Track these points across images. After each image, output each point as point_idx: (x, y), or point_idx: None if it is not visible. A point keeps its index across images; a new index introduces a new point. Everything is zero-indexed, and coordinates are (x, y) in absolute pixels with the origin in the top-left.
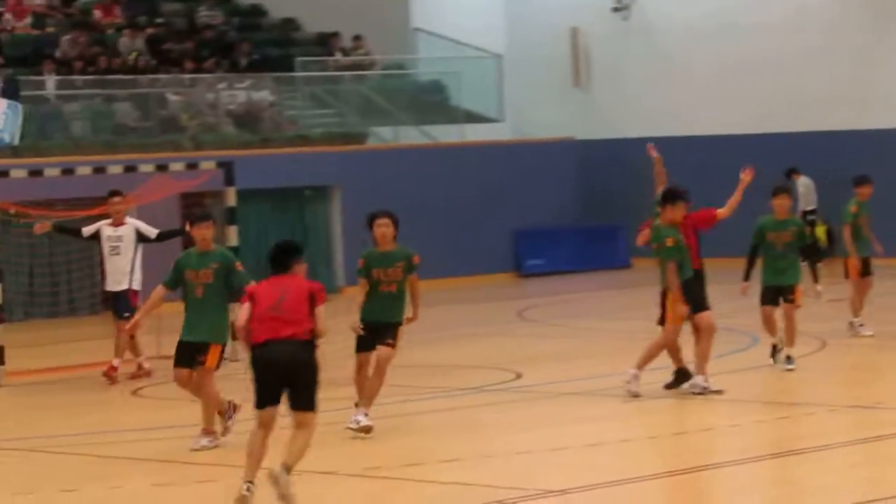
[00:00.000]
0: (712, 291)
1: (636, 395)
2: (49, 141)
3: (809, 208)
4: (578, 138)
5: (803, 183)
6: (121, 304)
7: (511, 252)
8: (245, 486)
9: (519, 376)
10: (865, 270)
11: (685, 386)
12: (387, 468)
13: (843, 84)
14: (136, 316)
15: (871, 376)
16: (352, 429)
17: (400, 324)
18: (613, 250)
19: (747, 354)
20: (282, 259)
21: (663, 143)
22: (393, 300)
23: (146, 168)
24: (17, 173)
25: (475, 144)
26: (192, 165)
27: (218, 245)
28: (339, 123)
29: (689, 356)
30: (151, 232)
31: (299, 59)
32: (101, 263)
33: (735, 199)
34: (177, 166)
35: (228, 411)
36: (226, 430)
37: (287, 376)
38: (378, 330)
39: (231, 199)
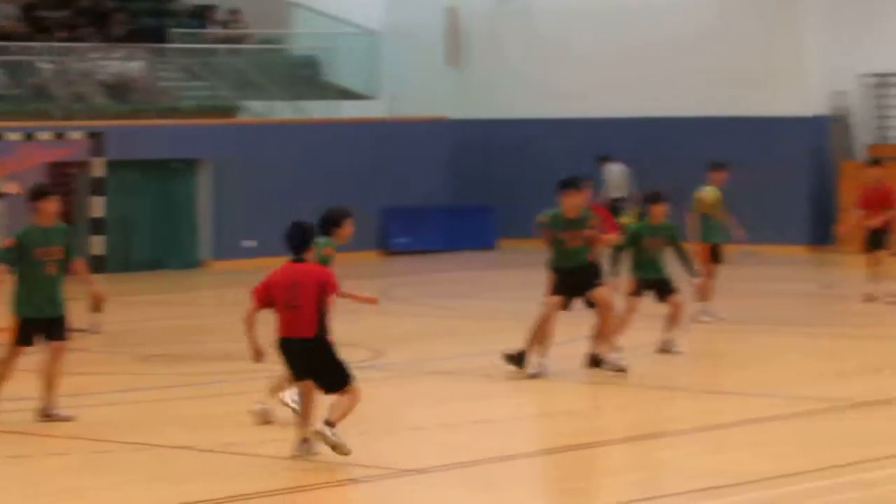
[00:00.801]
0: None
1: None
2: None
3: (618, 196)
4: (453, 118)
5: (613, 170)
6: None
7: (378, 230)
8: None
9: (380, 354)
10: (716, 257)
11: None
12: (244, 444)
13: (718, 70)
14: None
15: (723, 362)
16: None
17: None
18: (482, 231)
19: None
20: (301, 240)
21: (540, 125)
22: None
23: (13, 136)
24: None
25: (348, 121)
26: (60, 135)
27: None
28: (212, 96)
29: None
30: None
31: (174, 30)
32: None
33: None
34: (45, 135)
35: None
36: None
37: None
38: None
39: (99, 169)
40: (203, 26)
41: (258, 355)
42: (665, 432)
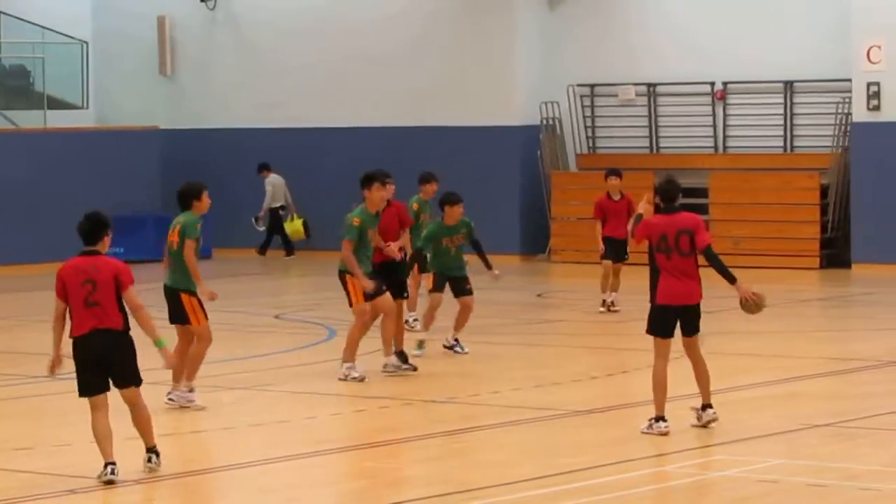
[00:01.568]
0: None
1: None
2: None
3: (278, 205)
4: (163, 127)
5: (271, 181)
6: None
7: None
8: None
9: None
10: (423, 267)
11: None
12: None
13: (432, 81)
14: None
15: (439, 371)
16: None
17: None
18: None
19: (324, 347)
20: (94, 231)
21: (249, 135)
22: None
23: None
24: None
25: (58, 131)
26: None
27: None
28: None
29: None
30: None
31: None
32: None
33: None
34: None
35: None
36: None
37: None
38: None
39: None
40: None
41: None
42: (389, 441)
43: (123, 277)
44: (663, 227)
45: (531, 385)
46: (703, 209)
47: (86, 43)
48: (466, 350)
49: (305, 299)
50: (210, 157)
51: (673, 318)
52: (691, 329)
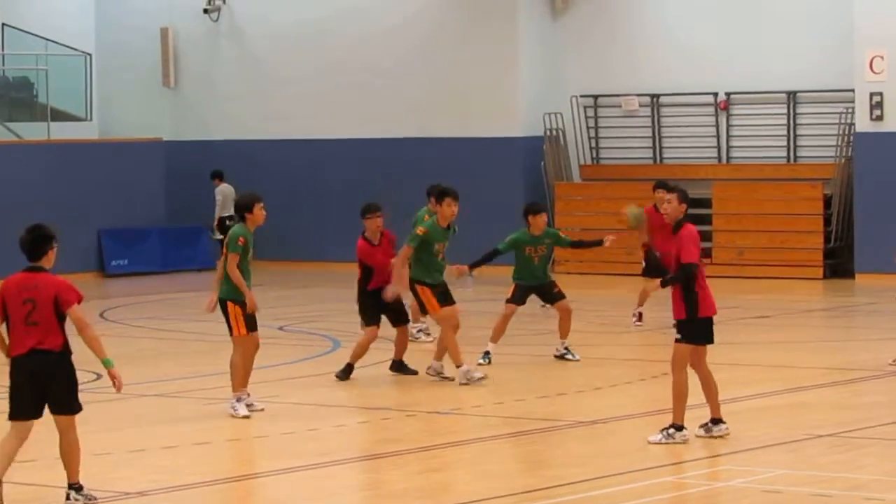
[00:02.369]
0: None
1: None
2: None
3: (227, 214)
4: (167, 139)
5: (221, 190)
6: None
7: (96, 252)
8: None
9: (99, 377)
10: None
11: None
12: None
13: (435, 93)
14: None
15: (421, 383)
16: None
17: None
18: (197, 252)
19: (328, 359)
20: (37, 246)
21: (250, 146)
22: None
23: None
24: None
25: (62, 142)
26: None
27: None
28: None
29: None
30: None
31: None
32: None
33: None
34: None
35: None
36: None
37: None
38: None
39: None
40: None
41: None
42: (388, 452)
43: (65, 296)
44: None
45: (535, 396)
46: (706, 220)
47: (89, 55)
48: (578, 357)
49: (308, 311)
50: (214, 168)
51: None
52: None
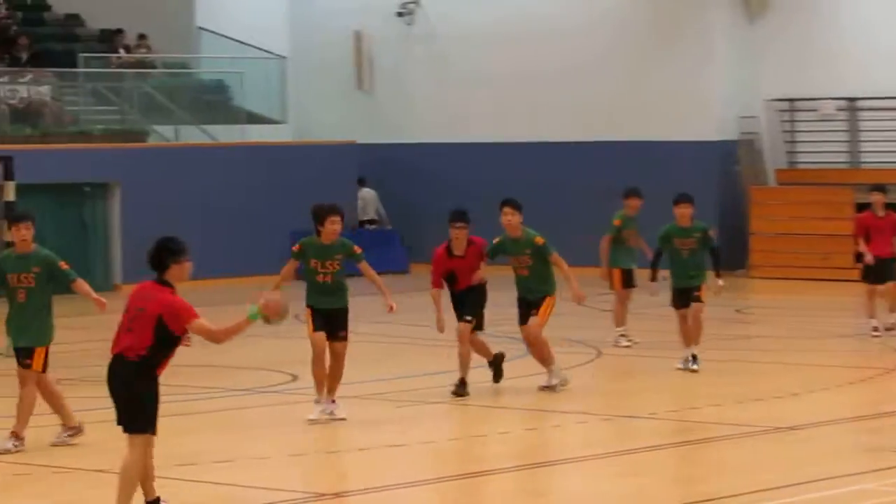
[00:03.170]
0: None
1: None
2: None
3: (367, 218)
4: (360, 142)
5: (362, 195)
6: None
7: (289, 253)
8: None
9: (295, 378)
10: (628, 282)
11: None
12: (158, 468)
13: (626, 95)
14: None
15: (638, 386)
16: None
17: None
18: (390, 254)
19: (520, 363)
20: (158, 259)
21: (442, 149)
22: None
23: None
24: None
25: (256, 145)
26: None
27: (38, 245)
28: (121, 120)
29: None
30: None
31: (82, 54)
32: None
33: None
34: None
35: (72, 429)
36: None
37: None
38: None
39: (10, 193)
40: (111, 50)
41: None
42: (582, 456)
43: (173, 318)
44: None
45: (731, 401)
46: None
47: (284, 58)
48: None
49: (496, 314)
50: (406, 171)
51: None
52: None
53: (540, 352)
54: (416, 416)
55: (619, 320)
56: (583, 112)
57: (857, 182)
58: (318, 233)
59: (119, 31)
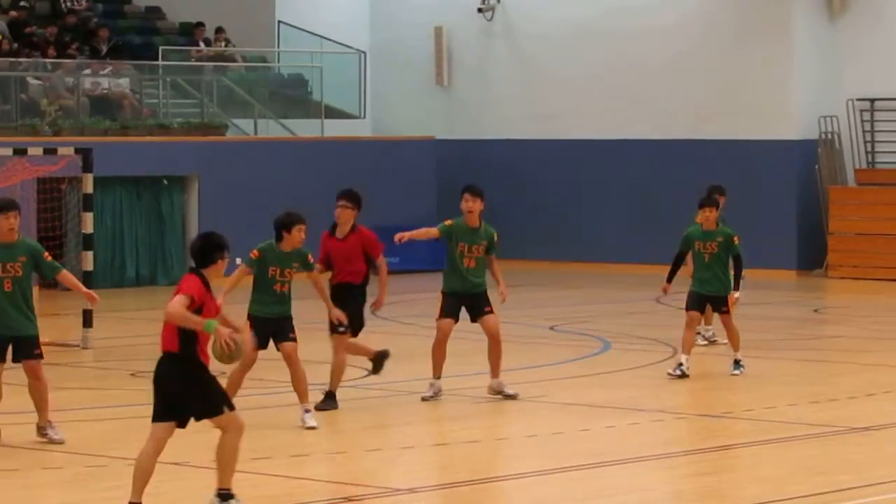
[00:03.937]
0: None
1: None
2: None
3: None
4: (439, 137)
5: None
6: None
7: None
8: None
9: (369, 373)
10: None
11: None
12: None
13: (708, 94)
14: None
15: (716, 385)
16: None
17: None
18: None
19: (598, 360)
20: (204, 254)
21: (522, 146)
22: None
23: (3, 152)
24: None
25: (335, 140)
26: (49, 150)
27: (22, 234)
28: (200, 114)
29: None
30: None
31: (162, 47)
32: None
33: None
34: (35, 151)
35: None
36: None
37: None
38: None
39: (88, 185)
40: (191, 43)
41: None
42: (659, 455)
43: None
44: None
45: (807, 401)
46: None
47: (364, 53)
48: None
49: (578, 311)
50: (485, 167)
51: None
52: None
53: (500, 349)
54: (489, 413)
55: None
56: (666, 111)
57: None
58: (281, 239)
59: (199, 25)
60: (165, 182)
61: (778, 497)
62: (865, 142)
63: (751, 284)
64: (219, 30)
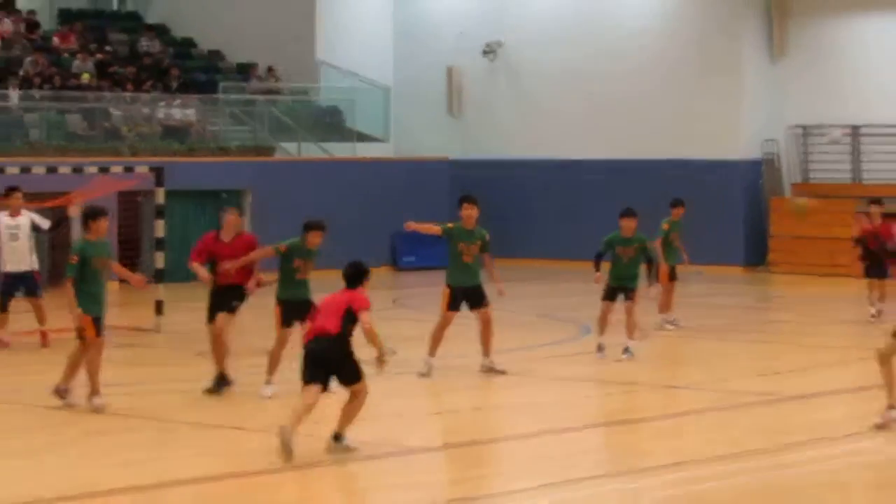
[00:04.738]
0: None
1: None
2: (10, 144)
3: None
4: (451, 158)
5: None
6: (30, 284)
7: (390, 250)
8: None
9: (395, 353)
10: (673, 276)
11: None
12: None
13: (673, 122)
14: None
15: (678, 361)
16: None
17: None
18: None
19: (579, 342)
20: (353, 279)
21: (520, 165)
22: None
23: (91, 170)
24: None
25: (365, 160)
26: (129, 169)
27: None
28: (253, 138)
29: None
30: (44, 223)
31: (222, 83)
32: None
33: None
34: (116, 169)
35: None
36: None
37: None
38: None
39: (160, 197)
40: (246, 80)
41: None
42: (630, 420)
43: (357, 304)
44: None
45: (755, 374)
46: None
47: (389, 88)
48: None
49: (565, 302)
50: (491, 182)
51: None
52: None
53: (491, 332)
54: (503, 384)
55: (665, 307)
56: (638, 136)
57: (858, 195)
58: (305, 240)
59: (253, 64)
60: (224, 195)
61: (738, 450)
62: (801, 161)
63: (705, 279)
64: (269, 68)
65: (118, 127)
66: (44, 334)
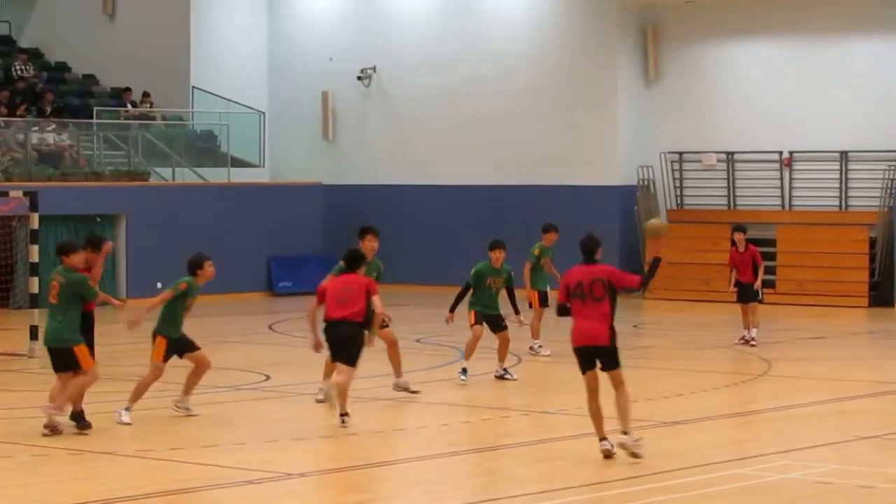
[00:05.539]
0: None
1: None
2: None
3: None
4: (325, 183)
5: None
6: None
7: (266, 275)
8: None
9: (268, 378)
10: (544, 301)
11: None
12: (157, 451)
13: (547, 147)
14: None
15: (552, 387)
16: None
17: None
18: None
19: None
20: (352, 263)
21: (394, 190)
22: None
23: None
24: None
25: (239, 185)
26: (3, 193)
27: None
28: (127, 163)
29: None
30: None
31: (96, 108)
32: None
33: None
34: None
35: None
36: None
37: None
38: None
39: (35, 222)
40: (120, 105)
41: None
42: (506, 445)
43: (371, 287)
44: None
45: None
46: (771, 256)
47: (263, 112)
48: (515, 377)
49: (441, 327)
50: (364, 207)
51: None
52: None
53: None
54: (375, 410)
55: (536, 333)
56: (514, 160)
57: (732, 220)
58: (196, 275)
59: (127, 89)
60: (98, 220)
61: (602, 480)
62: (675, 187)
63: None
64: (144, 94)
65: None
66: None
